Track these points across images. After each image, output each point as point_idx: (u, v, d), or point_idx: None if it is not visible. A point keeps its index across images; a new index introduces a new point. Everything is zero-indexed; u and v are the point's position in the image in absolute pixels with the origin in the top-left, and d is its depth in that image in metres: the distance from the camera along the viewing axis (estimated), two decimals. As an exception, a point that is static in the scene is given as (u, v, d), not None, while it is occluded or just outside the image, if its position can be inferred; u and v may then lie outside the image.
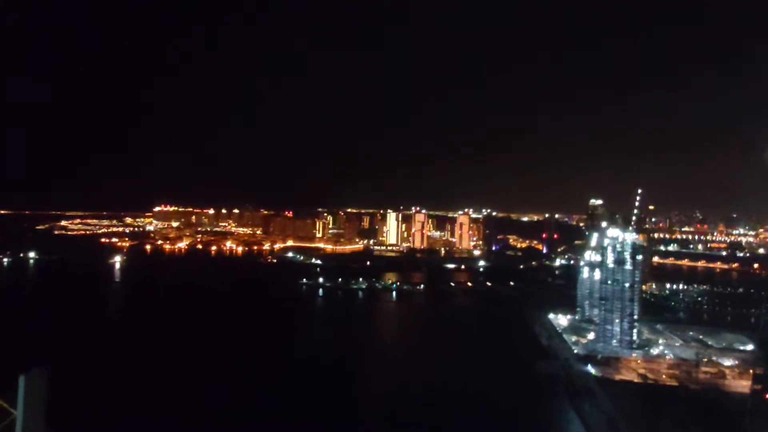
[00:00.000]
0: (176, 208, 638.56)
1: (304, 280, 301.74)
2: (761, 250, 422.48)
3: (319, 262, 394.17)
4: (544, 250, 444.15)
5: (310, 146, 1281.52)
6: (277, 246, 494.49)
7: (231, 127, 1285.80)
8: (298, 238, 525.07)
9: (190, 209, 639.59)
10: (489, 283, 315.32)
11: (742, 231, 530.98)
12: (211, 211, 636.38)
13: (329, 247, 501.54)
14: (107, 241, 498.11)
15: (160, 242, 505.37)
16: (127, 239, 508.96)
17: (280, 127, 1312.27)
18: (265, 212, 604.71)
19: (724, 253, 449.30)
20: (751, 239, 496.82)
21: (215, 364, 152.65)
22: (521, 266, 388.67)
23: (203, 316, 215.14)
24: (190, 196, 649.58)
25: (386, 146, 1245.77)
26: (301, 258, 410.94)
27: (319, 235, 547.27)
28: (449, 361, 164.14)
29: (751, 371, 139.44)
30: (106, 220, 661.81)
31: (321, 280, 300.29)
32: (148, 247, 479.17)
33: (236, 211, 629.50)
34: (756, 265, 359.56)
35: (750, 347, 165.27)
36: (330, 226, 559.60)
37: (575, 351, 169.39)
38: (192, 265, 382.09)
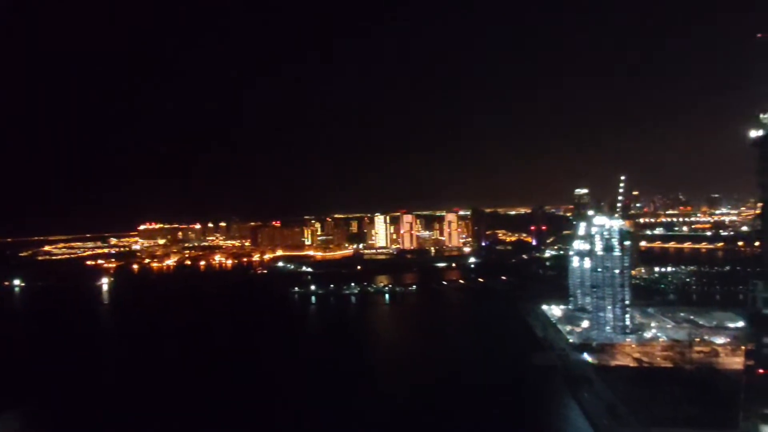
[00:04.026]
0: (162, 225, 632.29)
1: (296, 288, 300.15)
2: (744, 228, 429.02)
3: (309, 269, 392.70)
4: (534, 243, 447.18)
5: (293, 155, 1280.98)
6: (266, 256, 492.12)
7: (212, 141, 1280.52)
8: (287, 247, 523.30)
9: (176, 225, 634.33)
10: (481, 279, 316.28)
11: (724, 210, 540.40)
12: (198, 226, 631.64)
13: (319, 254, 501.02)
14: (93, 263, 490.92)
15: (147, 261, 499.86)
16: (113, 260, 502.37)
17: (261, 137, 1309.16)
18: (253, 223, 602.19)
19: (708, 234, 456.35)
20: (734, 218, 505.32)
21: (217, 380, 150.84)
22: (512, 260, 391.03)
23: (198, 333, 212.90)
24: (175, 213, 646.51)
25: (369, 149, 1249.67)
26: (292, 267, 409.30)
27: (308, 242, 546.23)
28: (448, 358, 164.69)
29: (743, 347, 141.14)
30: (90, 242, 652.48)
31: (313, 287, 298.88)
32: (135, 266, 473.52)
33: (223, 224, 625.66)
34: (740, 243, 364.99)
35: (740, 324, 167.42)
36: (318, 233, 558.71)
37: (570, 340, 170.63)
38: (182, 282, 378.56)
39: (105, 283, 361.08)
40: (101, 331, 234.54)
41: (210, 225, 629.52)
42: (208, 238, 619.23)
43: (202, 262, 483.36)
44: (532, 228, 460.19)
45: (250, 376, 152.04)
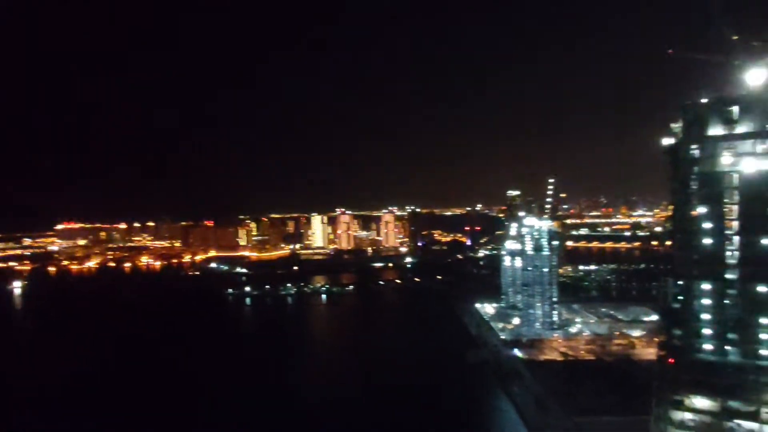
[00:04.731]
0: (82, 225, 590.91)
1: (230, 290, 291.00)
2: (658, 229, 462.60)
3: (244, 270, 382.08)
4: (468, 243, 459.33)
5: (227, 154, 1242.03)
6: (198, 257, 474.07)
7: (141, 138, 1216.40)
8: (221, 248, 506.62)
9: (98, 225, 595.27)
10: (417, 279, 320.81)
11: (641, 212, 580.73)
12: (123, 226, 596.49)
13: (254, 255, 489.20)
14: (4, 265, 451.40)
15: (66, 263, 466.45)
16: (27, 262, 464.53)
17: (195, 135, 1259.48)
18: (184, 223, 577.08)
19: (627, 234, 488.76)
20: (649, 219, 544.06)
21: (137, 388, 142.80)
22: (447, 260, 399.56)
23: (120, 338, 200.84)
24: (98, 212, 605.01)
25: (306, 149, 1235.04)
26: (226, 268, 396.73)
27: (242, 243, 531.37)
28: (384, 357, 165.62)
29: (656, 339, 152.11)
30: (0, 243, 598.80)
31: (248, 288, 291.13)
32: (52, 269, 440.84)
33: (151, 224, 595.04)
34: (655, 243, 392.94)
35: (654, 317, 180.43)
36: (254, 234, 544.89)
37: (502, 337, 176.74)
38: (104, 285, 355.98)
39: (17, 287, 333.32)
40: (11, 339, 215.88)
41: (137, 225, 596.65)
42: (134, 239, 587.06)
43: (128, 264, 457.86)
44: (467, 228, 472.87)
45: (172, 383, 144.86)
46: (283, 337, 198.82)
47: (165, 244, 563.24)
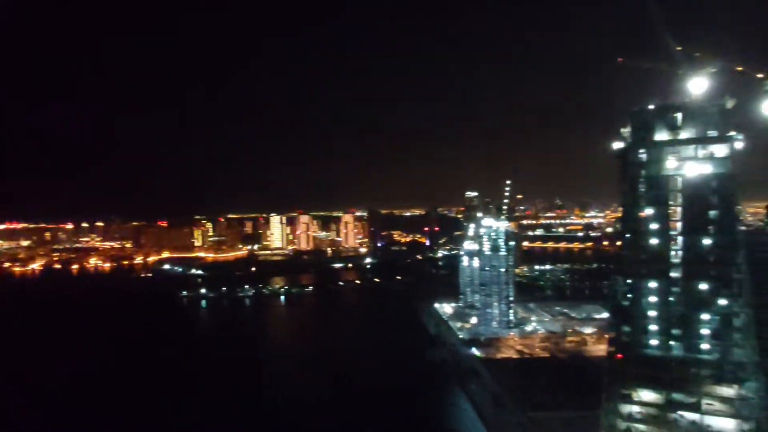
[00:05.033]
0: (25, 225, 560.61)
1: (185, 292, 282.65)
2: (609, 229, 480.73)
3: (200, 272, 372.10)
4: (427, 243, 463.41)
5: (182, 153, 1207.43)
6: (151, 259, 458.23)
7: (91, 136, 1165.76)
8: (175, 249, 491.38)
9: (43, 225, 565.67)
10: (377, 279, 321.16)
11: (594, 213, 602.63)
12: (70, 226, 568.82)
13: (210, 256, 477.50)
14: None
15: (7, 264, 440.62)
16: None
17: (148, 133, 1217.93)
18: (136, 223, 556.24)
19: (580, 234, 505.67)
20: (601, 220, 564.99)
21: (81, 396, 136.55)
22: (407, 260, 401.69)
23: (66, 344, 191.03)
24: (42, 211, 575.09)
25: (265, 149, 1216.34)
26: (180, 269, 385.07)
27: (198, 243, 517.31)
28: (344, 358, 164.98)
29: (606, 336, 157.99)
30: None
31: (203, 290, 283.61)
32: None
33: (100, 224, 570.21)
34: (606, 242, 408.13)
35: (604, 315, 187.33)
36: (210, 234, 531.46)
37: (461, 336, 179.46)
38: (49, 288, 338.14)
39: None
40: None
41: (85, 225, 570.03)
42: (81, 239, 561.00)
43: (75, 266, 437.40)
44: (426, 229, 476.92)
45: (121, 389, 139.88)
46: (239, 340, 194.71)
47: (115, 245, 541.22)
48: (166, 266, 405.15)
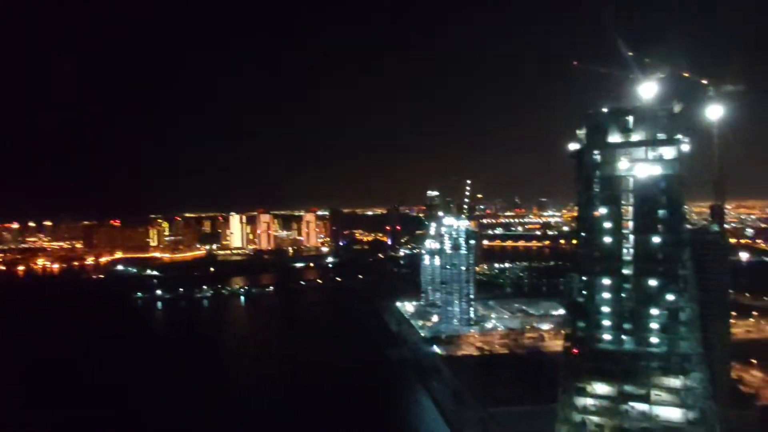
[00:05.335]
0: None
1: (139, 293, 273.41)
2: (565, 228, 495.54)
3: (155, 273, 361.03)
4: (389, 242, 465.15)
5: (136, 148, 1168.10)
6: (103, 259, 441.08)
7: (37, 127, 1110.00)
8: (129, 249, 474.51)
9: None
10: (338, 278, 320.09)
11: (551, 213, 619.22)
12: (15, 225, 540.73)
13: (167, 256, 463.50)
14: None
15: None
16: None
17: (99, 128, 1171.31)
18: (86, 222, 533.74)
19: (538, 233, 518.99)
20: (558, 219, 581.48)
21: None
22: (369, 259, 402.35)
23: (8, 350, 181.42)
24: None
25: (224, 146, 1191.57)
26: (134, 270, 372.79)
27: (153, 243, 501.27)
28: (305, 358, 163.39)
29: (562, 332, 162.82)
30: None
31: (159, 291, 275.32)
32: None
33: (48, 223, 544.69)
34: (562, 241, 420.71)
35: (561, 311, 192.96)
36: (166, 233, 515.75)
37: (422, 334, 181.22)
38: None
39: None
40: None
41: (31, 224, 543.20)
42: (28, 239, 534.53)
43: (21, 267, 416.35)
44: (388, 228, 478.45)
45: (72, 395, 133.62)
46: (195, 341, 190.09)
47: (65, 245, 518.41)
48: (120, 267, 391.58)
